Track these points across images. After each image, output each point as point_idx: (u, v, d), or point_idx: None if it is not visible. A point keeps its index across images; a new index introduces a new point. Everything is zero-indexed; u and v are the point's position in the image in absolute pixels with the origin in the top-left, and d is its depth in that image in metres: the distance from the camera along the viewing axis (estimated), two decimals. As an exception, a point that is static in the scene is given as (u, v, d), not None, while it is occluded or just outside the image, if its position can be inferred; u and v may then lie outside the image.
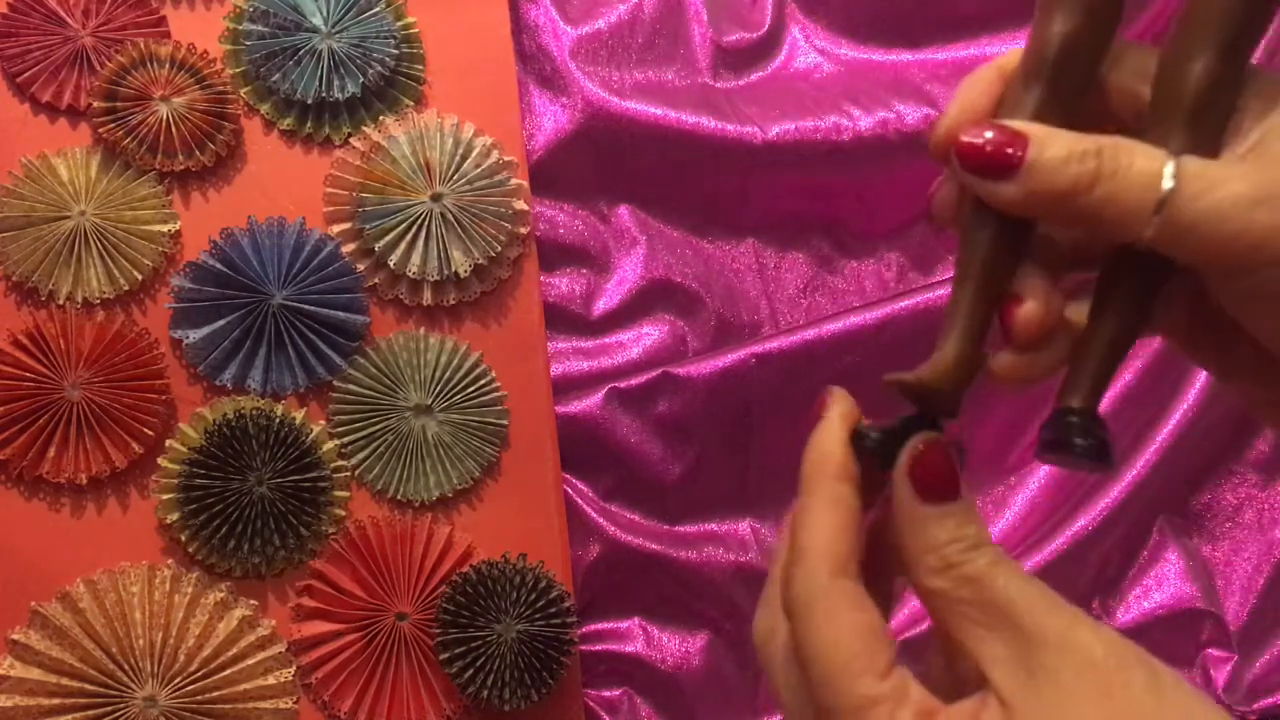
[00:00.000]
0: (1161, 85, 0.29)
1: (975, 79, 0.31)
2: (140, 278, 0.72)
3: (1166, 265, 0.29)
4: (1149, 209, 0.26)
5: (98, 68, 0.73)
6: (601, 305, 0.84)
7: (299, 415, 0.72)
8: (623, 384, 0.80)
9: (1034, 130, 0.27)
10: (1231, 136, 0.28)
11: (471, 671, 0.69)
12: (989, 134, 0.27)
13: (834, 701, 0.27)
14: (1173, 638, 0.87)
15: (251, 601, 0.70)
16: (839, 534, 0.29)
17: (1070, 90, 0.29)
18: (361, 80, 0.77)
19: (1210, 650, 0.87)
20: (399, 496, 0.74)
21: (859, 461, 0.31)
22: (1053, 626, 0.26)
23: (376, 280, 0.76)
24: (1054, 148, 0.27)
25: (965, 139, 0.27)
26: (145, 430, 0.70)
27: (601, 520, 0.79)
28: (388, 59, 0.78)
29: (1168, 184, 0.26)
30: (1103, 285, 0.31)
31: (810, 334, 0.81)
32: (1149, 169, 0.26)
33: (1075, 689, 0.25)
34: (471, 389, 0.76)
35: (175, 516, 0.69)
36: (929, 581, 0.28)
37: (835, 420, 0.31)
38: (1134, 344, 0.32)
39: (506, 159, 0.79)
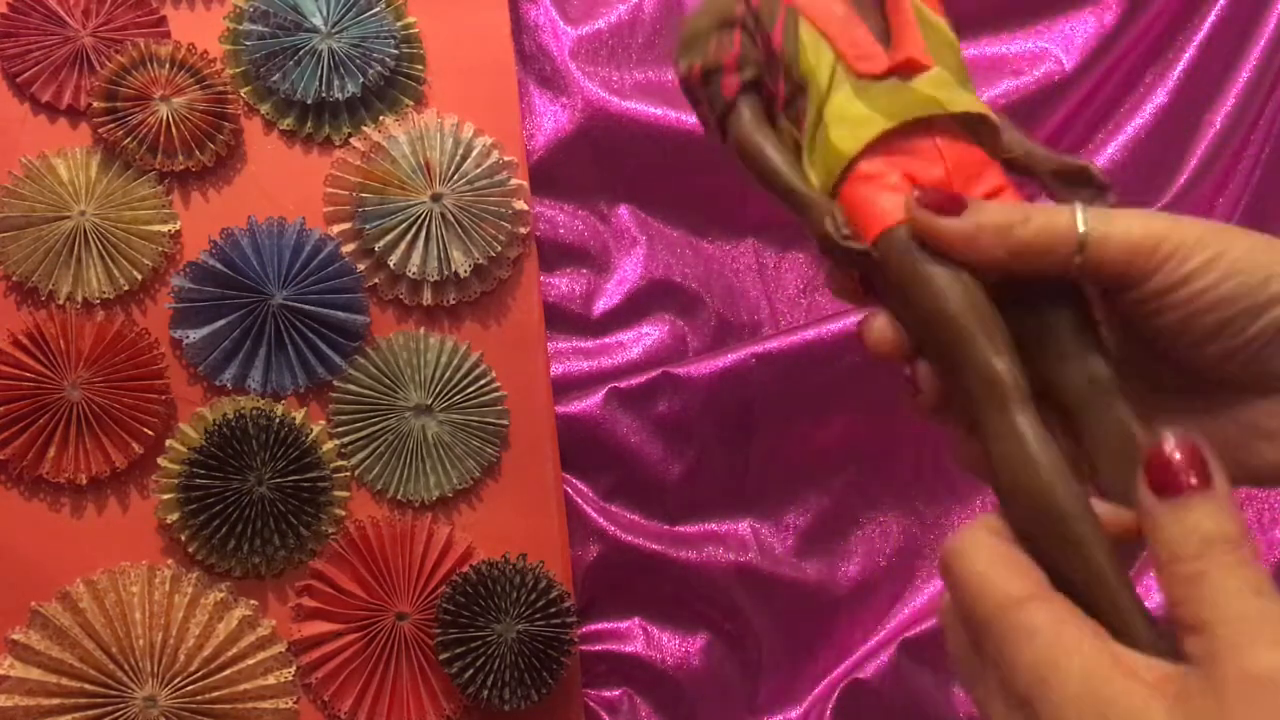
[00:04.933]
0: None
1: None
2: (140, 278, 0.72)
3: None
4: (1074, 239, 0.33)
5: (98, 68, 0.73)
6: (601, 305, 0.84)
7: (299, 415, 0.72)
8: (623, 384, 0.80)
9: (966, 197, 0.35)
10: None
11: (471, 671, 0.69)
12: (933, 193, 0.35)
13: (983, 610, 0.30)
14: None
15: (251, 601, 0.70)
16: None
17: None
18: (361, 80, 0.77)
19: (1210, 650, 0.86)
20: (399, 496, 0.74)
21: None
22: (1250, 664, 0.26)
23: (376, 280, 0.76)
24: (987, 207, 0.34)
25: (921, 196, 0.35)
26: (145, 430, 0.70)
27: (601, 520, 0.79)
28: (388, 59, 0.78)
29: (1080, 215, 0.33)
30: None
31: (810, 334, 0.81)
32: (1065, 211, 0.34)
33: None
34: (471, 389, 0.76)
35: (175, 516, 0.69)
36: (1162, 566, 0.30)
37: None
38: None
39: (506, 159, 0.79)
